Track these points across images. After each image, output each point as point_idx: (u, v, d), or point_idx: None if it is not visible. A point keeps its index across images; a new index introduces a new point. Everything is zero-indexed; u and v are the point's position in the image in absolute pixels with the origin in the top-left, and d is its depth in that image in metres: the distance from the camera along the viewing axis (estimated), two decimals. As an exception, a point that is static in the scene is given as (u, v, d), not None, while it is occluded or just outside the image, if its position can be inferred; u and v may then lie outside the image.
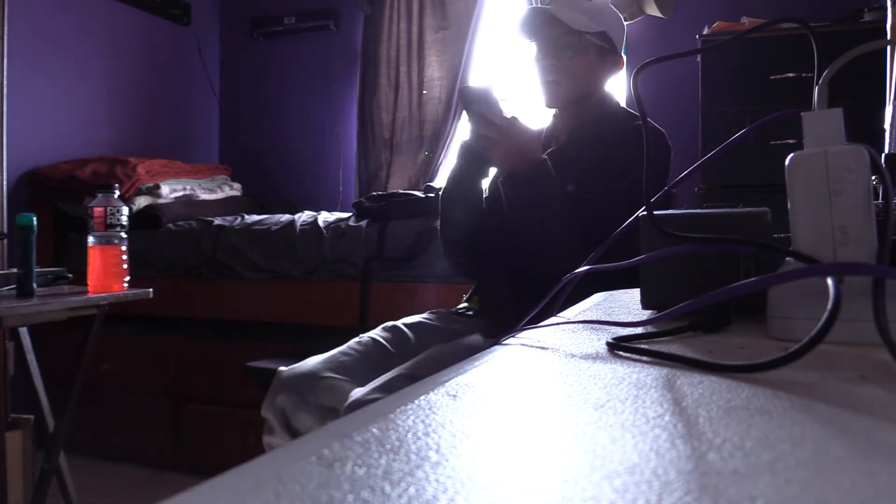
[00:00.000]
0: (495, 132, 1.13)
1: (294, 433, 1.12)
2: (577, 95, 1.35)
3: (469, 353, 1.13)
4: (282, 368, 1.21)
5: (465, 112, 1.18)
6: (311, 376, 1.15)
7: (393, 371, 1.13)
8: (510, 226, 1.25)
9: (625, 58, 1.39)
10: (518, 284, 1.28)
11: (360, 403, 1.02)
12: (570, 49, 1.32)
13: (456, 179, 1.31)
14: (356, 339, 1.33)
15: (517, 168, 1.15)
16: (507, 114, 1.17)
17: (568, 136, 1.37)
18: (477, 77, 3.18)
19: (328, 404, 1.12)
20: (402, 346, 1.33)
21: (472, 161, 1.26)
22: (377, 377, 1.14)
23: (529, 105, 2.53)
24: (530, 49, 1.39)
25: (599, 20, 1.32)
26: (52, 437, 1.72)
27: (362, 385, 1.13)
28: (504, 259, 1.33)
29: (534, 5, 1.37)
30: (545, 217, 1.16)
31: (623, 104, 1.42)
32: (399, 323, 1.40)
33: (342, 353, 1.26)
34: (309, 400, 1.11)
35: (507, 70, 3.18)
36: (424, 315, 1.44)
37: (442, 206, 1.35)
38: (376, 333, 1.36)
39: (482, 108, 1.13)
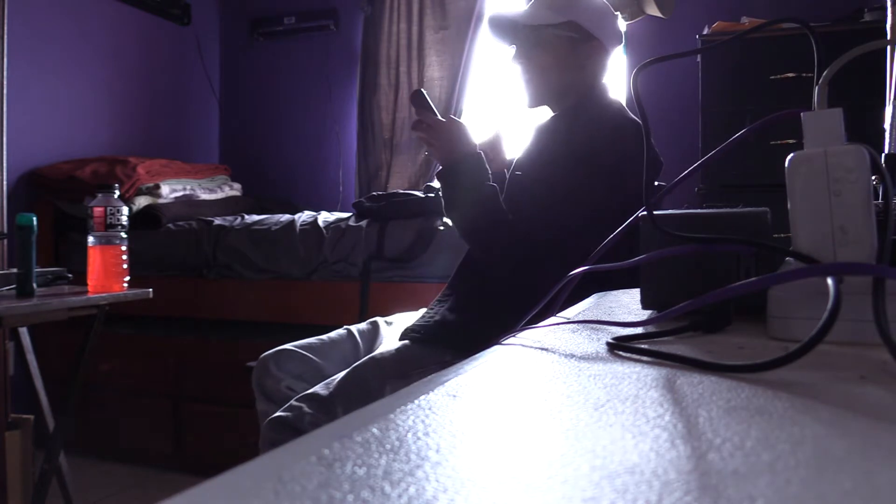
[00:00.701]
0: (426, 132, 1.22)
1: (267, 395, 1.31)
2: (554, 91, 1.33)
3: (382, 369, 1.19)
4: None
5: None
6: (280, 351, 1.34)
7: (317, 386, 1.22)
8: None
9: (604, 41, 1.32)
10: (462, 279, 1.37)
11: (277, 421, 1.16)
12: (536, 47, 1.32)
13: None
14: (337, 330, 1.45)
15: (449, 163, 1.23)
16: (441, 115, 1.24)
17: (534, 133, 1.38)
18: (475, 77, 3.18)
19: (291, 370, 1.31)
20: (371, 342, 1.45)
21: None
22: (340, 365, 1.29)
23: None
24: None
25: (564, 11, 1.29)
26: (52, 437, 1.72)
27: (321, 361, 1.33)
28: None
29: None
30: (473, 210, 1.21)
31: (622, 101, 1.42)
32: (380, 319, 1.51)
33: (317, 338, 1.40)
34: (270, 366, 1.31)
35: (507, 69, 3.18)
36: (414, 313, 1.48)
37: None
38: (357, 326, 1.47)
39: (418, 111, 1.24)
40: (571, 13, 1.29)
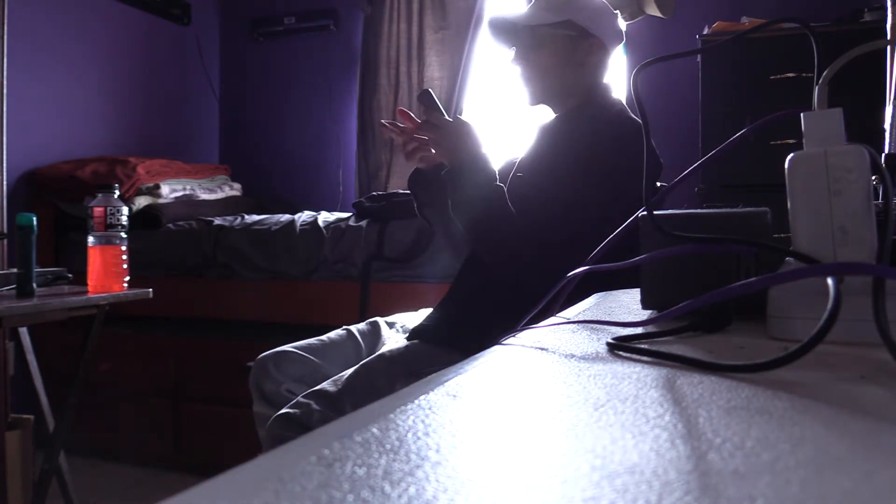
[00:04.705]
0: (434, 132, 1.19)
1: (265, 397, 1.30)
2: (555, 90, 1.34)
3: (392, 366, 1.18)
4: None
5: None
6: (279, 353, 1.32)
7: (325, 383, 1.20)
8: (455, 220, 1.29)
9: (603, 39, 1.33)
10: (466, 280, 1.35)
11: (284, 417, 1.15)
12: (535, 46, 1.33)
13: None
14: (337, 330, 1.43)
15: (456, 163, 1.20)
16: (450, 115, 1.24)
17: (536, 133, 1.38)
18: (475, 77, 3.18)
19: (291, 372, 1.30)
20: (373, 342, 1.43)
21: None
22: (341, 366, 1.27)
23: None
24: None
25: (562, 11, 1.30)
26: (52, 437, 1.72)
27: (322, 363, 1.32)
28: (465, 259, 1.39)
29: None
30: (479, 211, 1.19)
31: (622, 100, 1.42)
32: (380, 319, 1.49)
33: (317, 338, 1.39)
34: (270, 370, 1.30)
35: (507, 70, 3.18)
36: (414, 313, 1.49)
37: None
38: (357, 326, 1.46)
39: (426, 111, 1.22)
40: (569, 12, 1.31)
